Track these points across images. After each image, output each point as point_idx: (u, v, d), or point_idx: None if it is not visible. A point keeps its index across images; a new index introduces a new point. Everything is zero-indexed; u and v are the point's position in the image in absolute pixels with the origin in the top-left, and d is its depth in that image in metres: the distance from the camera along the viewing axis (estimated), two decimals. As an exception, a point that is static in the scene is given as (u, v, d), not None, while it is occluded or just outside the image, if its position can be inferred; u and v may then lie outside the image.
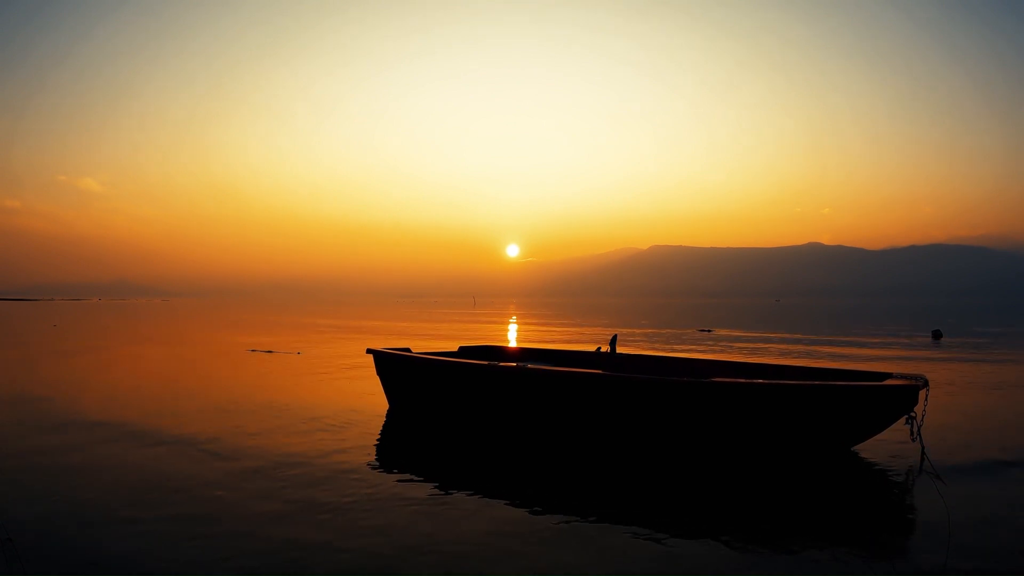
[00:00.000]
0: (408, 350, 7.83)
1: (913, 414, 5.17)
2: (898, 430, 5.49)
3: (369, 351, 7.86)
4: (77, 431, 6.40)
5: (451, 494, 4.44)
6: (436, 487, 4.60)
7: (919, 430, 5.13)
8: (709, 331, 25.98)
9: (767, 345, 18.78)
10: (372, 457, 5.47)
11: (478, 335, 23.66)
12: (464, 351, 8.58)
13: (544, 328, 29.64)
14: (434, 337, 22.34)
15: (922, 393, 5.33)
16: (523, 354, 8.67)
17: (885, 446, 5.68)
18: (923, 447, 5.16)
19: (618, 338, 8.34)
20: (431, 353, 7.86)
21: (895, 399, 5.15)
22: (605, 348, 8.14)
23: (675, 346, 18.49)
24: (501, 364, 6.53)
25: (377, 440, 6.13)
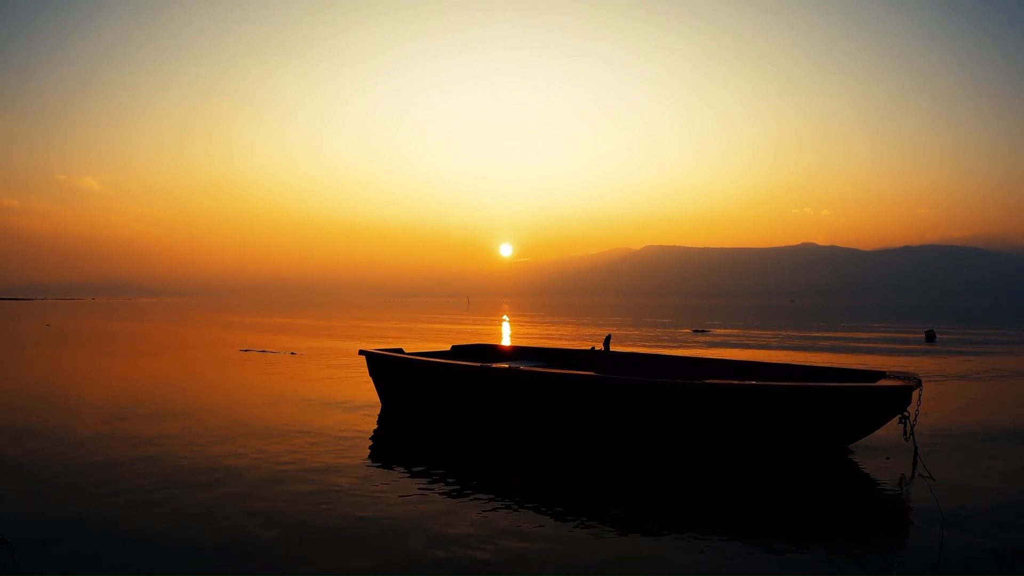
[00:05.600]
0: (400, 350, 7.81)
1: (906, 414, 5.18)
2: (891, 430, 5.49)
3: (362, 352, 7.84)
4: (71, 431, 6.36)
5: (443, 495, 4.42)
6: (428, 488, 4.58)
7: (912, 430, 5.15)
8: (704, 331, 26.01)
9: (761, 345, 18.81)
10: (365, 458, 5.45)
11: (471, 335, 23.63)
12: (457, 350, 8.56)
13: (538, 328, 29.62)
14: (427, 337, 22.31)
15: (915, 393, 5.34)
16: (516, 353, 8.65)
17: (878, 446, 5.69)
18: (916, 447, 5.18)
19: (612, 337, 8.32)
20: (424, 353, 7.84)
21: (889, 399, 5.16)
22: (599, 347, 8.13)
23: (669, 346, 18.49)
24: (494, 365, 6.52)
25: (370, 441, 6.11)
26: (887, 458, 5.37)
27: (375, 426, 6.72)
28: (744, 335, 23.81)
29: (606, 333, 8.64)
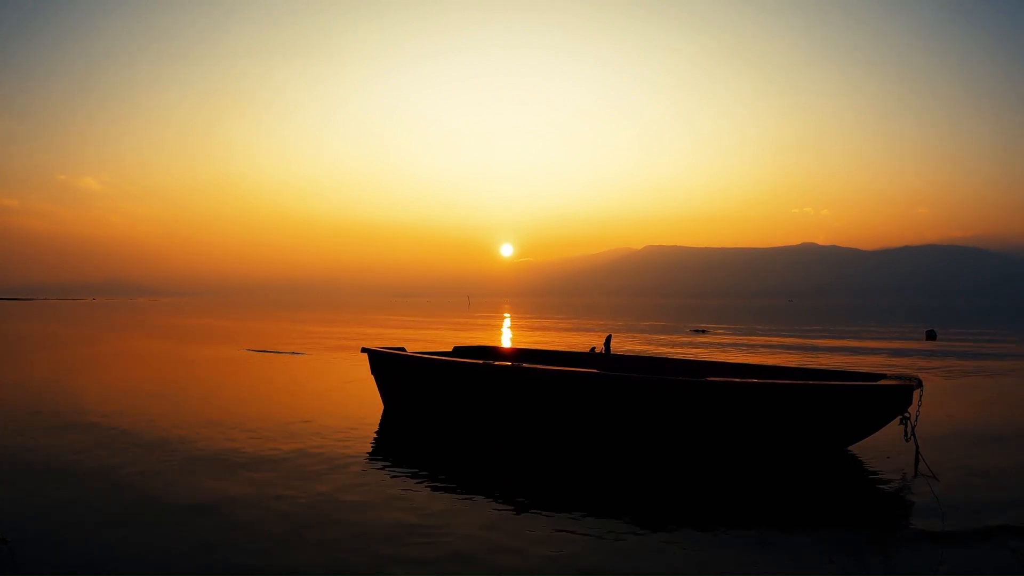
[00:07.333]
0: (403, 349, 7.81)
1: (907, 414, 5.18)
2: (892, 430, 5.49)
3: (364, 350, 7.84)
4: (72, 431, 6.36)
5: (446, 493, 4.42)
6: (431, 486, 4.58)
7: (913, 430, 5.14)
8: (704, 331, 26.01)
9: (761, 345, 18.81)
10: (367, 456, 5.45)
11: (473, 335, 23.64)
12: (459, 351, 8.55)
13: (538, 328, 29.63)
14: (428, 337, 22.31)
15: (916, 393, 5.34)
16: (518, 355, 8.65)
17: (879, 446, 5.68)
18: (917, 447, 5.17)
19: (612, 338, 8.32)
20: (426, 353, 7.83)
21: (889, 399, 5.16)
22: (599, 348, 8.12)
23: (670, 346, 18.49)
24: (496, 363, 6.51)
25: (372, 439, 6.11)
26: (888, 457, 5.37)
27: (376, 426, 6.72)
28: (744, 336, 23.81)
29: (606, 334, 8.62)
